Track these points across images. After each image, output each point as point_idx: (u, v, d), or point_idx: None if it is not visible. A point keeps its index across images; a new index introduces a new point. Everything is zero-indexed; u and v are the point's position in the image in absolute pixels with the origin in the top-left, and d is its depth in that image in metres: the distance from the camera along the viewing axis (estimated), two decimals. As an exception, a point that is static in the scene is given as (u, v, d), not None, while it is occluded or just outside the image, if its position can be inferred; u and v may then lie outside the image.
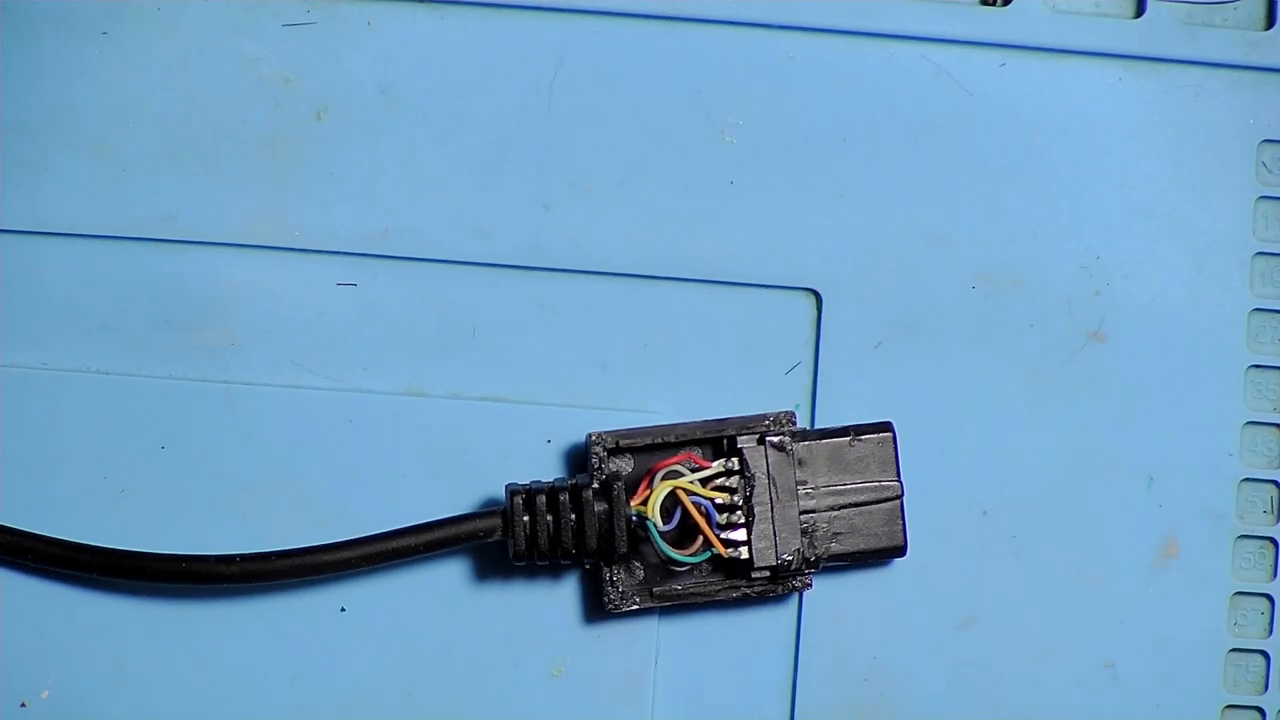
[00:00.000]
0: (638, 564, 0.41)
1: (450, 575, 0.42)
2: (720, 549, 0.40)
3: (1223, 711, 0.42)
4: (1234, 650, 0.43)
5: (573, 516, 0.40)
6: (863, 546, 0.41)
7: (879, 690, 0.42)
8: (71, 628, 0.41)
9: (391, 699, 0.42)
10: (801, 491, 0.41)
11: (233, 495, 0.42)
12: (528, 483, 0.41)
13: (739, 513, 0.40)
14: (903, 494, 0.41)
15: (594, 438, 0.41)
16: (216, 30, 0.42)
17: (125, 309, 0.42)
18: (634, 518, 0.40)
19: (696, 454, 0.41)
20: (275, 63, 0.42)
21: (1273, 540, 0.43)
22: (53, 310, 0.42)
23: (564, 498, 0.40)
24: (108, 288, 0.42)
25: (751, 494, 0.41)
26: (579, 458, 0.42)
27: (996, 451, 0.42)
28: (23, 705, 0.41)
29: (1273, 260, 0.43)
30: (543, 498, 0.40)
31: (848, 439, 0.41)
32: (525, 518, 0.40)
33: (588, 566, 0.42)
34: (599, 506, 0.40)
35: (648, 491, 0.40)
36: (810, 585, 0.41)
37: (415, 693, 0.42)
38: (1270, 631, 0.43)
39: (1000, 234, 0.43)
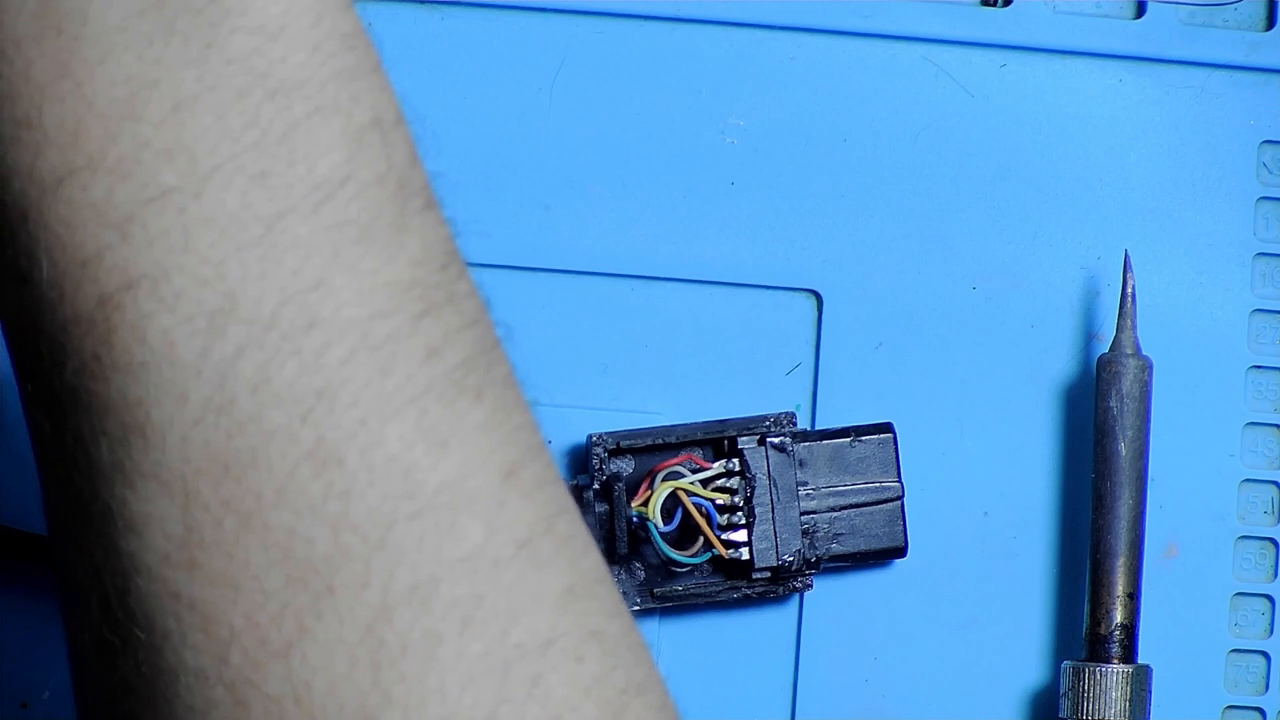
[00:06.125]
0: (638, 565, 0.41)
1: (451, 576, 0.42)
2: (721, 550, 0.40)
3: (1223, 712, 0.42)
4: (1234, 651, 0.42)
5: (573, 517, 0.40)
6: (863, 547, 0.41)
7: (879, 690, 0.42)
8: (72, 628, 0.41)
9: (392, 699, 0.42)
10: (802, 492, 0.41)
11: (233, 496, 0.42)
12: (528, 483, 0.41)
13: (740, 513, 0.40)
14: (903, 494, 0.41)
15: (595, 439, 0.41)
16: (217, 31, 0.42)
17: (125, 309, 0.42)
18: (635, 518, 0.40)
19: (697, 455, 0.41)
20: (276, 63, 0.42)
21: (1273, 541, 0.43)
22: (53, 311, 0.42)
23: (565, 499, 0.40)
24: (108, 288, 0.42)
25: (752, 495, 0.40)
26: (580, 458, 0.42)
27: (997, 452, 0.42)
28: (24, 706, 0.41)
29: (1273, 261, 0.43)
30: (543, 498, 0.40)
31: (848, 440, 0.41)
32: (526, 519, 0.40)
33: (588, 567, 0.42)
34: (600, 507, 0.40)
35: (648, 492, 0.40)
36: (811, 586, 0.41)
37: (416, 693, 0.42)
38: (1270, 632, 0.43)
39: (1001, 234, 0.43)
